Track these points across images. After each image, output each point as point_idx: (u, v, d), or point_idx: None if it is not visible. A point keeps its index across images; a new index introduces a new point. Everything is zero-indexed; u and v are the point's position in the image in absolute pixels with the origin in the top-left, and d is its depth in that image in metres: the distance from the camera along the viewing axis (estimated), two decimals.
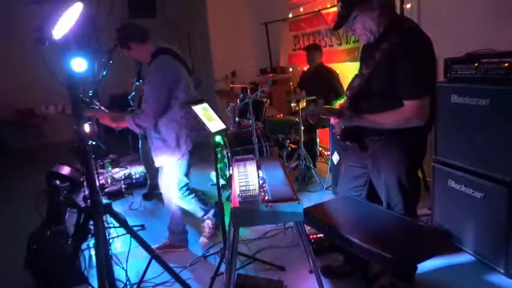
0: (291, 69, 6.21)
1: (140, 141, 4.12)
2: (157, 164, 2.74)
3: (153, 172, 4.26)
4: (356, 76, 2.00)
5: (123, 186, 4.42)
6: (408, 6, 3.59)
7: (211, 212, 3.01)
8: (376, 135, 1.93)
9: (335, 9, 4.55)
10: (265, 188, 1.97)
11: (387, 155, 1.94)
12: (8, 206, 4.34)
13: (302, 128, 4.13)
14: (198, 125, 2.46)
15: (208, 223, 3.04)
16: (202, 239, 3.04)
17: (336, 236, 1.75)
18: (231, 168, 2.58)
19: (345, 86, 4.37)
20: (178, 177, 2.78)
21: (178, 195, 2.84)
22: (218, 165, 3.60)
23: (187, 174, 2.83)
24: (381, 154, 1.96)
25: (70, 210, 3.32)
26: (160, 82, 2.46)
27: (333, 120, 2.06)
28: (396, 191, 1.97)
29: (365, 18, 1.84)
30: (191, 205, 2.93)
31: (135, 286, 2.44)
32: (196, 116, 2.30)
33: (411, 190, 2.01)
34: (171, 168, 2.75)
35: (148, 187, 4.25)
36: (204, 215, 3.01)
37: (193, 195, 2.91)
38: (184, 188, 2.85)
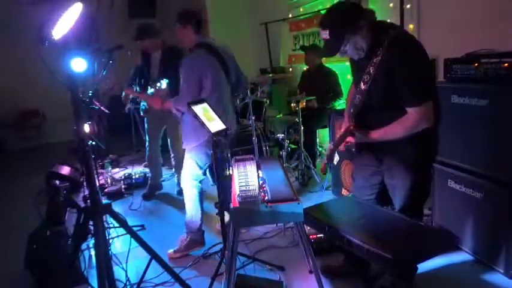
0: (290, 69, 6.21)
1: (148, 141, 4.12)
2: (184, 145, 2.88)
3: (156, 172, 4.27)
4: (355, 92, 2.00)
5: (123, 187, 4.41)
6: (408, 6, 3.59)
7: (197, 224, 2.89)
8: (389, 142, 1.93)
9: None
10: (265, 188, 1.97)
11: (400, 157, 1.94)
12: (8, 206, 4.35)
13: (302, 128, 4.14)
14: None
15: (184, 237, 2.92)
16: (170, 252, 2.90)
17: (335, 236, 1.76)
18: (230, 168, 2.59)
19: (344, 86, 4.41)
20: (192, 164, 2.84)
21: (187, 183, 2.88)
22: None
23: (202, 168, 2.87)
24: (395, 157, 1.96)
25: (70, 210, 3.32)
26: (190, 74, 2.69)
27: (349, 139, 2.05)
28: (410, 191, 1.96)
29: (356, 39, 1.84)
30: (189, 200, 2.89)
31: (135, 286, 2.44)
32: (196, 116, 2.30)
33: (424, 190, 2.03)
34: (189, 154, 2.87)
35: (149, 187, 4.26)
36: (188, 223, 2.91)
37: (198, 194, 2.89)
38: (196, 181, 2.87)
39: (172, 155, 4.23)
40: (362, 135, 1.98)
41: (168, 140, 4.18)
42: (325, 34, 1.85)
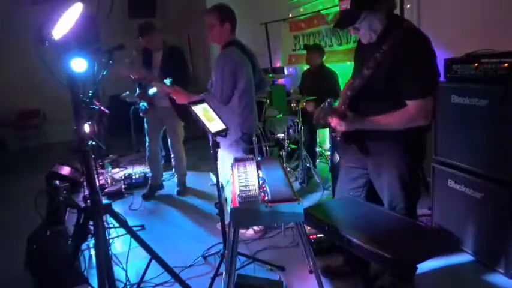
0: (291, 69, 6.21)
1: (148, 141, 4.12)
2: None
3: (157, 172, 4.26)
4: (355, 77, 2.00)
5: (123, 187, 4.42)
6: (408, 6, 3.59)
7: None
8: (377, 136, 1.93)
9: (335, 9, 4.56)
10: (265, 188, 1.97)
11: (388, 155, 1.94)
12: (8, 206, 4.35)
13: (302, 128, 4.14)
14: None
15: None
16: (250, 232, 3.11)
17: (335, 236, 1.75)
18: (230, 168, 2.61)
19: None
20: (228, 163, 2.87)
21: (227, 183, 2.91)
22: None
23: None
24: (382, 154, 1.96)
25: (70, 210, 3.32)
26: (226, 71, 2.68)
27: (334, 122, 2.00)
28: (398, 191, 1.96)
29: (372, 18, 1.83)
30: None
31: (135, 286, 2.44)
32: (196, 116, 2.30)
33: (413, 189, 2.01)
34: (223, 153, 2.85)
35: (149, 187, 4.25)
36: None
37: None
38: None
39: (172, 156, 4.24)
40: (355, 118, 1.92)
41: (169, 141, 4.17)
42: (345, 4, 1.82)
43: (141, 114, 4.02)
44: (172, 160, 4.27)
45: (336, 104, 2.13)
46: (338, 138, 2.04)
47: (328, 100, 1.94)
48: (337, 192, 2.32)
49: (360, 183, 2.16)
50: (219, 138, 2.76)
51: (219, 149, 2.82)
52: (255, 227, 3.07)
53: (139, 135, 5.15)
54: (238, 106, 2.78)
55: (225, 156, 2.84)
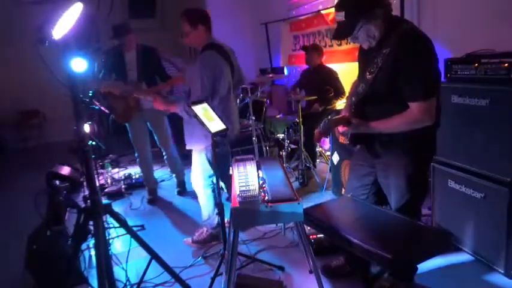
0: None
1: (137, 151, 4.06)
2: (187, 147, 2.94)
3: (152, 177, 4.18)
4: (359, 81, 2.00)
5: (123, 187, 4.42)
6: (408, 6, 3.59)
7: (215, 220, 2.98)
8: (385, 138, 1.93)
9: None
10: (265, 188, 1.97)
11: (396, 156, 1.94)
12: (8, 206, 4.35)
13: (302, 128, 4.14)
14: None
15: (204, 230, 3.02)
16: (187, 239, 3.05)
17: (335, 236, 1.76)
18: (230, 168, 2.61)
19: (345, 86, 4.41)
20: (203, 162, 2.89)
21: (200, 183, 2.94)
22: None
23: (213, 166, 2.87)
24: (390, 155, 1.96)
25: (70, 211, 3.32)
26: (205, 76, 2.68)
27: (341, 128, 2.03)
28: (405, 191, 1.96)
29: (369, 26, 1.83)
30: (205, 199, 2.98)
31: (135, 286, 2.44)
32: (195, 116, 2.30)
33: (420, 190, 2.02)
34: (199, 153, 2.91)
35: (150, 191, 4.16)
36: (206, 220, 3.02)
37: (211, 190, 2.95)
38: (209, 178, 2.93)
39: (164, 155, 4.14)
40: (360, 124, 1.95)
41: (156, 138, 4.02)
42: (340, 16, 1.84)
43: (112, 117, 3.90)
44: (166, 161, 4.20)
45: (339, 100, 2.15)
46: (347, 142, 2.03)
47: (326, 119, 1.98)
48: (347, 189, 2.32)
49: (368, 181, 2.15)
50: (195, 143, 2.85)
51: (194, 152, 2.90)
52: (196, 237, 3.01)
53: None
54: (217, 110, 2.74)
55: (200, 157, 2.88)
